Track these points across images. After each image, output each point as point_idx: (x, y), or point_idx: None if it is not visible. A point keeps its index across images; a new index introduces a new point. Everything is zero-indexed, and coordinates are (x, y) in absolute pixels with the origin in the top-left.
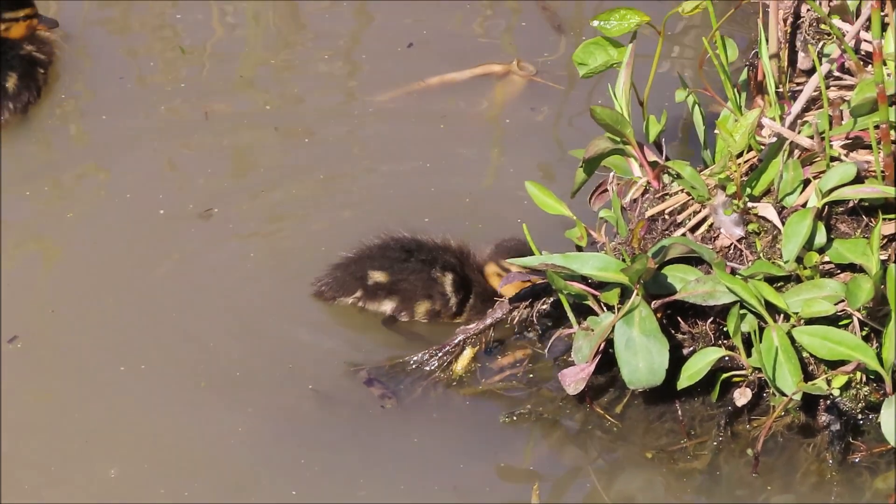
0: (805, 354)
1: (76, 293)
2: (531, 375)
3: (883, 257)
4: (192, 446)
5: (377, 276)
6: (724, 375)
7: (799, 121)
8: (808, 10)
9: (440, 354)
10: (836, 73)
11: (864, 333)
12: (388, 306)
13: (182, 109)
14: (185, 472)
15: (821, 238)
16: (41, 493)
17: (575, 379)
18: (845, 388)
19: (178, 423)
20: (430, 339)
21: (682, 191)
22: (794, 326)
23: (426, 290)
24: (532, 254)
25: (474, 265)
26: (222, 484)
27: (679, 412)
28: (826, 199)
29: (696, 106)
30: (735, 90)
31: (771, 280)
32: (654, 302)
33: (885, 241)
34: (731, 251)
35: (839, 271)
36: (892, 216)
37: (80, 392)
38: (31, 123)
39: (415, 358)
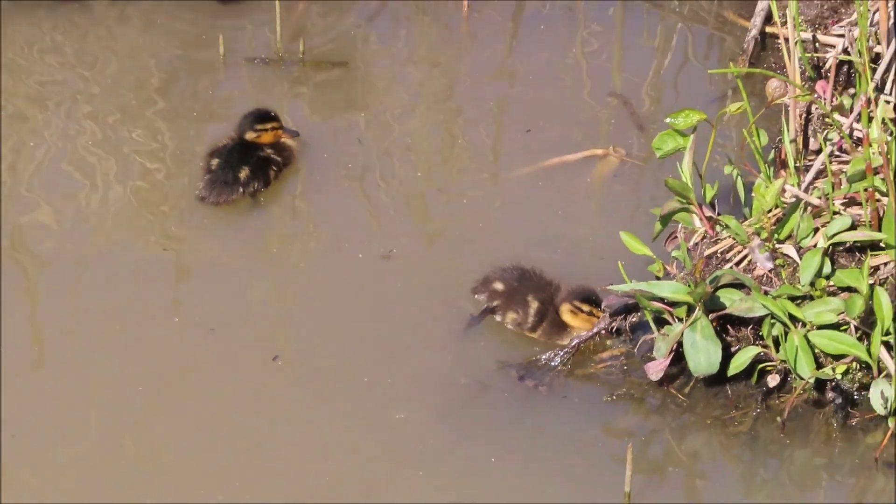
0: (817, 351)
1: (322, 320)
2: (625, 367)
3: (871, 281)
4: (374, 428)
5: (497, 286)
6: (760, 366)
7: (811, 186)
8: (817, 108)
9: (562, 353)
10: (837, 152)
11: (858, 335)
12: (493, 303)
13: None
14: (369, 448)
15: (827, 269)
16: None
17: (656, 370)
18: (845, 373)
19: (359, 410)
20: (514, 347)
21: (729, 237)
22: (809, 331)
23: (518, 305)
24: (595, 294)
25: (555, 301)
26: (400, 454)
27: (729, 391)
28: (830, 241)
29: (738, 177)
30: (766, 165)
31: (792, 298)
32: (710, 315)
33: (872, 270)
34: (765, 279)
35: (840, 292)
36: (877, 252)
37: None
38: (258, 204)
39: (544, 357)
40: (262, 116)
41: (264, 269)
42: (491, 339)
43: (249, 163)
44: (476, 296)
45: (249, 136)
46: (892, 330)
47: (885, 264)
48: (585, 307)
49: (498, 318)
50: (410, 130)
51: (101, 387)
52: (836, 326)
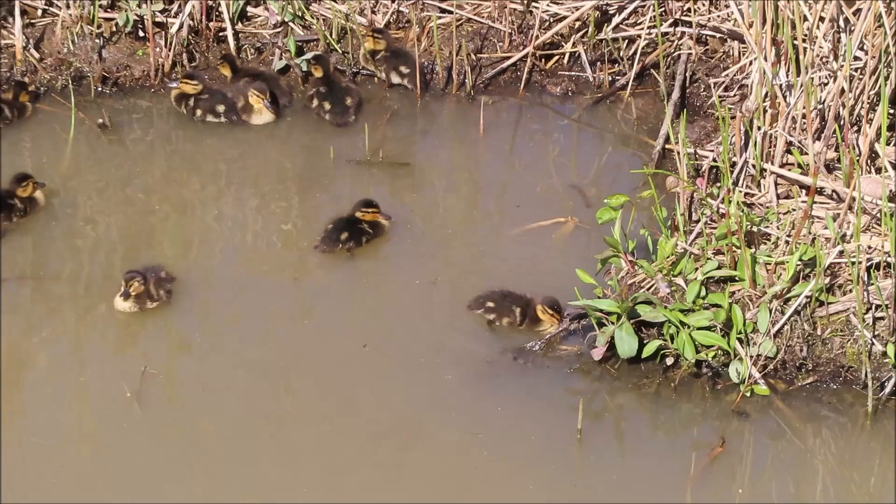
0: (697, 343)
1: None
2: (579, 353)
3: (730, 301)
4: (431, 384)
5: (490, 304)
6: (662, 352)
7: (693, 242)
8: (697, 195)
9: (539, 343)
10: (709, 221)
11: (721, 333)
12: (491, 316)
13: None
14: (428, 395)
15: (703, 293)
16: None
17: (598, 353)
18: (714, 357)
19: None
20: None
21: (643, 273)
22: (691, 331)
23: (509, 312)
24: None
25: (532, 307)
26: (444, 401)
27: (642, 367)
28: (705, 276)
29: (649, 236)
30: (666, 229)
31: (682, 311)
32: (631, 320)
33: (730, 295)
34: (665, 299)
35: (711, 307)
36: (734, 284)
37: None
38: (351, 256)
39: (528, 345)
40: (368, 203)
41: (357, 290)
42: (494, 334)
43: (349, 230)
44: (471, 310)
45: (357, 214)
46: (742, 330)
47: (738, 290)
48: (550, 311)
49: (497, 323)
50: (446, 205)
51: (258, 376)
52: (709, 328)
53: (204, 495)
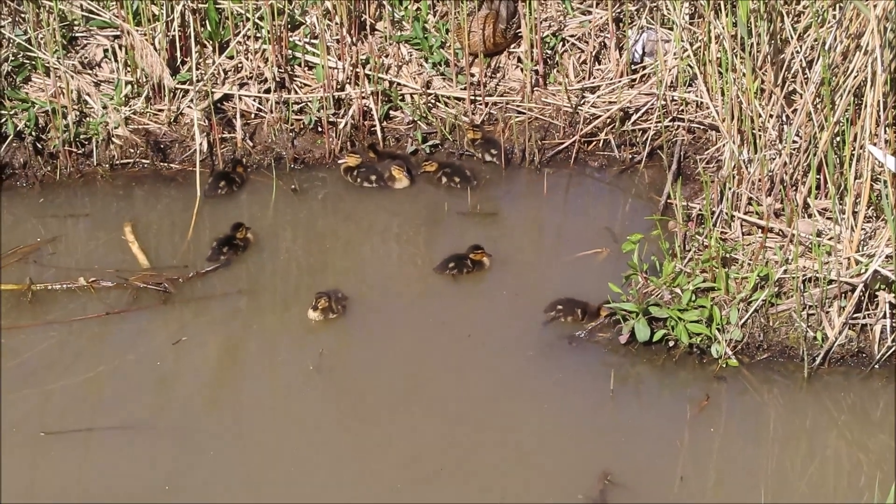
0: (690, 331)
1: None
2: (611, 339)
3: (712, 303)
4: (500, 365)
5: (559, 307)
6: (667, 338)
7: (686, 264)
8: (689, 233)
9: (586, 331)
10: (697, 250)
11: (706, 325)
12: (560, 316)
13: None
14: (495, 371)
15: (693, 297)
16: None
17: (624, 338)
18: (701, 340)
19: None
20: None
21: (653, 285)
22: (686, 323)
23: (573, 312)
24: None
25: (589, 308)
26: (511, 377)
27: (653, 349)
28: (695, 287)
29: (657, 260)
30: (668, 256)
31: (680, 310)
32: (646, 316)
33: (712, 299)
34: (668, 301)
35: (699, 307)
36: (714, 292)
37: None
38: (455, 280)
39: (577, 333)
40: (477, 247)
41: (462, 299)
42: (556, 328)
43: (457, 263)
44: (546, 312)
45: (470, 255)
46: (720, 323)
47: (717, 296)
48: (602, 310)
49: (564, 319)
50: (522, 241)
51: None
52: (697, 321)
53: (356, 435)
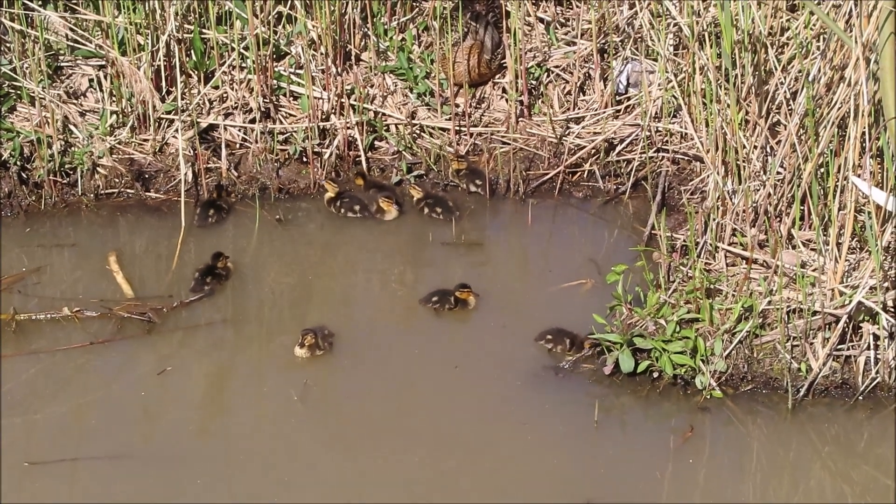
0: (674, 362)
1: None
2: (595, 370)
3: (696, 334)
4: (497, 388)
5: (548, 336)
6: (651, 369)
7: (670, 295)
8: (673, 263)
9: (572, 362)
10: (682, 281)
11: (690, 356)
12: (549, 345)
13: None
14: (492, 394)
15: (678, 329)
16: None
17: (608, 369)
18: (685, 372)
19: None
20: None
21: (637, 316)
22: (671, 354)
23: (562, 342)
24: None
25: (577, 338)
26: (504, 400)
27: (637, 379)
28: (679, 318)
29: (641, 291)
30: (652, 287)
31: (664, 341)
32: (630, 347)
33: (696, 330)
34: (652, 332)
35: (683, 339)
36: (699, 323)
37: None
38: (438, 314)
39: (563, 364)
40: (464, 286)
41: (448, 331)
42: (540, 357)
43: (441, 298)
44: (536, 341)
45: (456, 293)
46: (704, 354)
47: (701, 327)
48: (587, 341)
49: (554, 349)
50: (507, 272)
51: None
52: (682, 353)
53: (343, 465)
